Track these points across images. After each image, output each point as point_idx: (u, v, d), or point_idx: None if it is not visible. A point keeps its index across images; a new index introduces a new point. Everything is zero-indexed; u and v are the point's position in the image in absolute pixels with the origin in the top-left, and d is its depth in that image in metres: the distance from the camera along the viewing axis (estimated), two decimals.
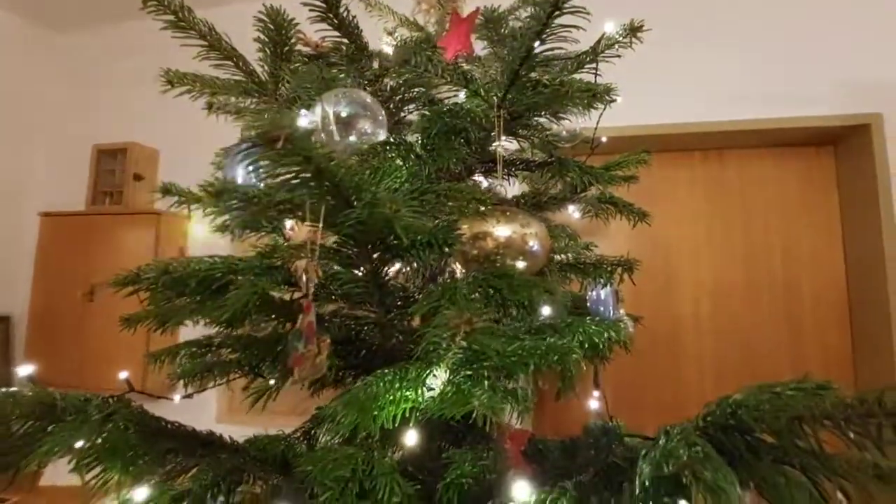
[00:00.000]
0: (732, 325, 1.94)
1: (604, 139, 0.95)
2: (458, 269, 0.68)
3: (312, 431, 0.83)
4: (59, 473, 2.01)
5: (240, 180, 0.55)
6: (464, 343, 0.44)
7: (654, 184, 2.02)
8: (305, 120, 0.59)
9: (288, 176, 0.39)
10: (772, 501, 0.44)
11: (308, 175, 0.38)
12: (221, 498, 0.56)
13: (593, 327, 0.66)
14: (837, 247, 1.91)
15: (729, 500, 0.33)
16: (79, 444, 0.45)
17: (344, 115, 0.60)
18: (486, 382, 0.47)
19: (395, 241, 0.52)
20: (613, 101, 0.77)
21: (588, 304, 0.88)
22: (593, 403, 0.85)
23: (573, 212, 0.98)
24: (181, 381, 0.81)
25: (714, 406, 0.45)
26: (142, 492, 0.50)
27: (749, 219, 1.98)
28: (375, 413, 0.46)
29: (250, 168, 0.46)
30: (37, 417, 0.49)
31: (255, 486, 0.61)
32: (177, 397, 0.84)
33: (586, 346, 0.63)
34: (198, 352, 0.83)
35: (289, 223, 0.74)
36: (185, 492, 0.54)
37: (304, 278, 0.50)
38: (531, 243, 0.61)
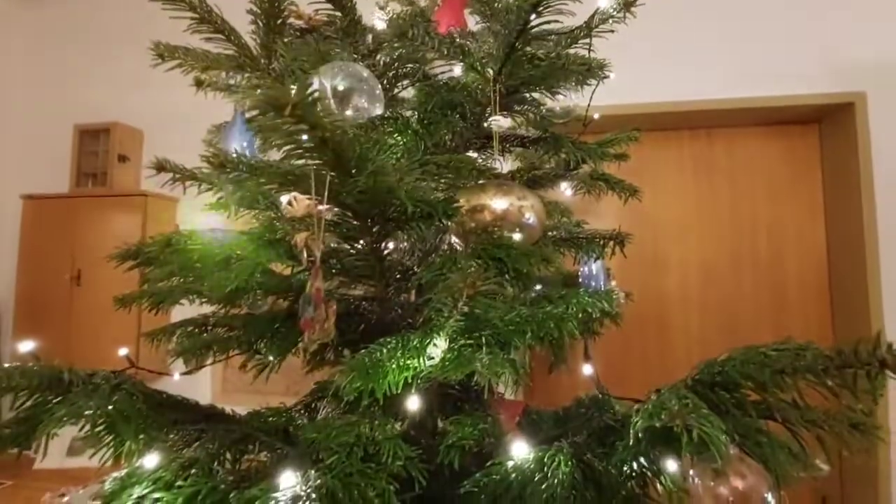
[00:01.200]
0: (719, 300, 1.99)
1: (596, 116, 0.96)
2: (456, 242, 0.69)
3: (313, 404, 0.85)
4: (52, 458, 2.01)
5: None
6: (465, 309, 0.46)
7: (643, 162, 2.04)
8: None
9: (292, 145, 0.39)
10: (755, 458, 0.47)
11: (313, 144, 0.38)
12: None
13: (587, 298, 0.68)
14: (820, 223, 1.96)
15: (717, 446, 0.35)
16: (89, 412, 0.46)
17: (341, 88, 0.59)
18: (485, 349, 0.49)
19: (396, 213, 0.53)
20: (606, 77, 0.78)
21: (580, 279, 0.90)
22: (585, 372, 0.88)
23: (565, 189, 0.99)
24: (181, 359, 0.81)
25: (703, 366, 0.48)
26: (151, 459, 0.51)
27: (735, 196, 2.02)
28: (380, 379, 0.48)
29: (252, 138, 0.46)
30: (43, 389, 0.50)
31: (261, 455, 0.63)
32: (176, 374, 0.85)
33: (580, 315, 0.65)
34: (194, 330, 0.83)
35: (285, 198, 0.74)
36: (193, 459, 0.55)
37: (305, 250, 0.51)
38: (527, 216, 0.62)
